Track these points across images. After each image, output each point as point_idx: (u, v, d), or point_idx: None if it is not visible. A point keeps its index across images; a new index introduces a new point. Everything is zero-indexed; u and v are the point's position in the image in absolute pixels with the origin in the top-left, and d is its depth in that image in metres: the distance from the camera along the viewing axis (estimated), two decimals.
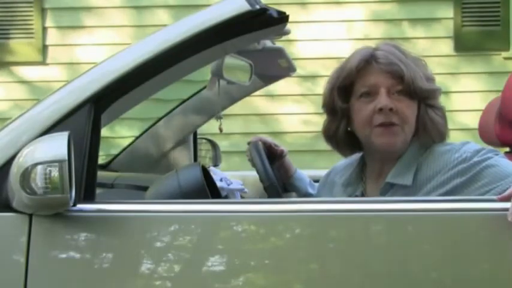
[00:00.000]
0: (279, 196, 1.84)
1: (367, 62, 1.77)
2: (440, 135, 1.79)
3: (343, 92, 1.81)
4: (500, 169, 1.66)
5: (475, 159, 1.68)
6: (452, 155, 1.71)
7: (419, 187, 1.73)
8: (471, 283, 1.46)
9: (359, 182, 1.88)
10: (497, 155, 1.71)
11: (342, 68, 1.82)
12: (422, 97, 1.77)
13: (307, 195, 2.14)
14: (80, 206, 1.50)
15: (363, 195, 1.85)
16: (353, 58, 1.80)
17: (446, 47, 5.22)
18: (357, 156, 1.93)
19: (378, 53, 1.77)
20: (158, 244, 1.49)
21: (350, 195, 1.87)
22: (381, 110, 1.73)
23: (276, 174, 1.97)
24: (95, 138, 1.56)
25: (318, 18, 5.29)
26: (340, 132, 1.85)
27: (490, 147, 1.75)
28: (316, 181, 2.18)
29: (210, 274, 1.47)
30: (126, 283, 1.49)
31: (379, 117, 1.74)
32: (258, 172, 1.91)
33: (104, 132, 1.65)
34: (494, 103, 2.17)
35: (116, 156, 2.79)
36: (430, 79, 1.81)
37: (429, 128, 1.77)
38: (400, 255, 1.47)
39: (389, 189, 1.77)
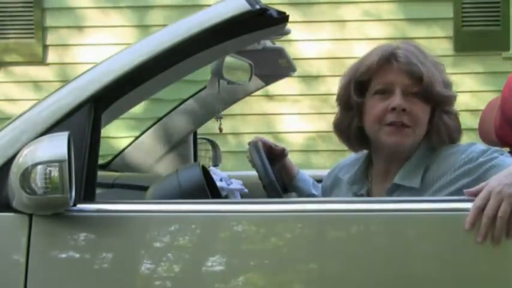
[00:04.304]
0: (279, 194, 1.83)
1: (387, 59, 1.76)
2: (452, 139, 1.79)
3: (360, 87, 1.80)
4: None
5: (481, 159, 1.68)
6: (459, 156, 1.71)
7: (426, 188, 1.72)
8: (471, 283, 1.47)
9: (364, 180, 1.87)
10: (502, 154, 1.71)
11: (361, 63, 1.81)
12: (438, 102, 1.76)
13: (311, 196, 2.13)
14: (80, 206, 1.50)
15: (368, 194, 1.85)
16: (373, 54, 1.79)
17: (446, 47, 5.23)
18: (362, 153, 1.93)
19: (399, 52, 1.76)
20: (158, 244, 1.49)
21: (355, 193, 1.87)
22: (393, 109, 1.72)
23: (277, 176, 1.97)
24: (95, 138, 1.56)
25: (318, 18, 5.29)
26: (353, 127, 1.84)
27: (496, 147, 1.75)
28: (319, 181, 2.17)
29: (210, 274, 1.47)
30: (126, 283, 1.49)
31: (390, 116, 1.73)
32: (257, 171, 1.91)
33: (104, 132, 1.65)
34: (494, 103, 2.17)
35: (116, 156, 2.79)
36: (447, 84, 1.80)
37: (442, 132, 1.77)
38: (400, 255, 1.47)
39: (395, 190, 1.76)
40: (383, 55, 1.76)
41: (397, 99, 1.73)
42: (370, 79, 1.78)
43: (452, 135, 1.80)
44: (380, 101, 1.76)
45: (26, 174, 1.44)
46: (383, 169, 1.83)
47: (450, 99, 1.80)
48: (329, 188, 2.03)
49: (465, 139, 1.85)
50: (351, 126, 1.85)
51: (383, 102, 1.75)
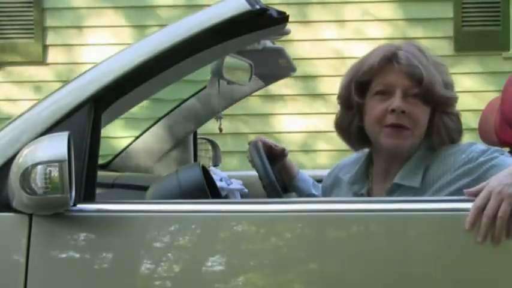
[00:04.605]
0: (279, 194, 1.83)
1: (388, 60, 1.76)
2: (452, 140, 1.80)
3: (361, 87, 1.80)
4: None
5: (481, 159, 1.68)
6: (459, 156, 1.72)
7: (426, 188, 1.73)
8: (471, 284, 1.47)
9: (365, 180, 1.88)
10: (502, 154, 1.71)
11: (362, 63, 1.81)
12: (438, 103, 1.77)
13: (311, 196, 2.13)
14: (80, 206, 1.50)
15: (368, 193, 1.85)
16: (375, 54, 1.79)
17: (446, 47, 5.22)
18: (362, 153, 1.93)
19: (400, 53, 1.76)
20: (158, 244, 1.49)
21: (356, 193, 1.87)
22: (393, 111, 1.73)
23: (277, 176, 1.97)
24: (95, 138, 1.56)
25: (318, 18, 5.29)
26: (353, 126, 1.85)
27: (496, 147, 1.76)
28: (319, 181, 2.17)
29: (210, 274, 1.47)
30: (126, 283, 1.49)
31: (390, 118, 1.74)
32: (257, 170, 1.91)
33: (104, 132, 1.65)
34: (494, 103, 2.17)
35: (116, 156, 2.79)
36: (448, 85, 1.80)
37: (442, 133, 1.77)
38: (400, 255, 1.47)
39: (396, 190, 1.77)
40: (384, 56, 1.76)
41: (396, 101, 1.73)
42: (371, 80, 1.78)
43: (453, 135, 1.80)
44: (380, 102, 1.76)
45: (26, 174, 1.44)
46: (383, 169, 1.83)
47: (450, 101, 1.80)
48: (329, 188, 2.03)
49: (465, 139, 1.85)
50: (351, 125, 1.85)
51: (383, 104, 1.75)
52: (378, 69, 1.76)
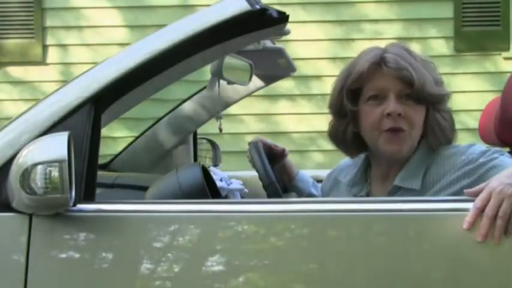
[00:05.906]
0: (279, 195, 1.84)
1: (377, 65, 1.75)
2: (447, 139, 1.80)
3: (352, 94, 1.80)
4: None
5: (481, 160, 1.68)
6: (458, 157, 1.72)
7: (427, 190, 1.73)
8: (471, 283, 1.46)
9: (364, 182, 1.88)
10: (502, 155, 1.71)
11: (350, 70, 1.80)
12: (431, 102, 1.77)
13: (310, 196, 2.13)
14: (80, 206, 1.50)
15: (368, 196, 1.85)
16: (362, 61, 1.78)
17: (446, 47, 5.23)
18: (360, 155, 1.93)
19: (388, 56, 1.75)
20: (158, 244, 1.49)
21: (355, 196, 1.87)
22: (389, 114, 1.73)
23: (277, 176, 1.97)
24: (95, 138, 1.56)
25: (318, 18, 5.29)
26: (349, 134, 1.84)
27: (496, 148, 1.75)
28: (319, 181, 2.17)
29: (210, 274, 1.47)
30: (126, 283, 1.49)
31: (387, 122, 1.73)
32: (257, 171, 1.91)
33: (104, 132, 1.65)
34: (494, 103, 2.17)
35: (116, 156, 2.79)
36: (438, 82, 1.80)
37: (437, 132, 1.77)
38: (400, 256, 1.47)
39: (396, 192, 1.76)
40: (373, 62, 1.76)
41: (391, 105, 1.73)
42: (362, 86, 1.78)
43: (447, 134, 1.79)
44: (374, 107, 1.76)
45: (26, 175, 1.44)
46: (382, 171, 1.83)
47: (443, 98, 1.80)
48: (328, 190, 2.03)
49: (465, 139, 1.85)
50: (346, 132, 1.84)
51: (378, 108, 1.75)
52: (368, 75, 1.76)
